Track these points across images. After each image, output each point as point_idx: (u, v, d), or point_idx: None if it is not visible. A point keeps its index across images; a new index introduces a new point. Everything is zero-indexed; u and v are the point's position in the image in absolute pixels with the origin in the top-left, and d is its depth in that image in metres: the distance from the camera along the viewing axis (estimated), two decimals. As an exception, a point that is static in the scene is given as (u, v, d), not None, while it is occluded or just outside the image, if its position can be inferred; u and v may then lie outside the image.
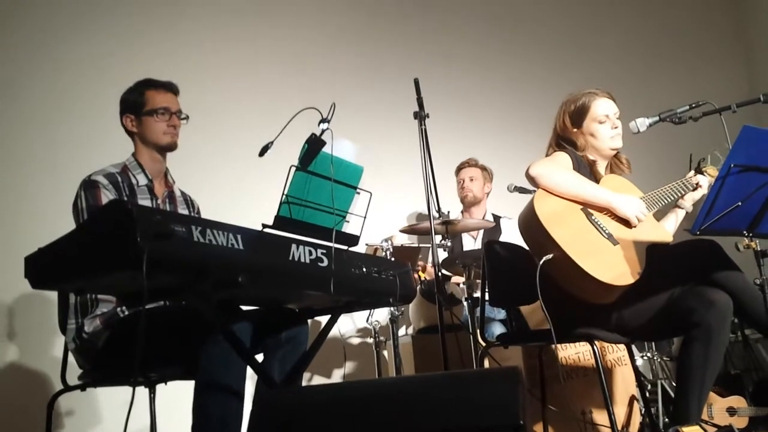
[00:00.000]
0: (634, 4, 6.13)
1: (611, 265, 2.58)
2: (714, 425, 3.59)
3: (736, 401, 3.77)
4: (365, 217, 2.47)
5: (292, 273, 2.13)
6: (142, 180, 2.75)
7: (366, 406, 1.59)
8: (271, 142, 2.32)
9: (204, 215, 2.95)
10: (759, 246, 2.41)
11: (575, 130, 2.93)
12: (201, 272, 1.89)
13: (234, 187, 4.48)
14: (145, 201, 2.73)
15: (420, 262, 4.25)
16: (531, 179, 2.78)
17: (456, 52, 5.56)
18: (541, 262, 2.59)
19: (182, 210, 2.88)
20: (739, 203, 2.29)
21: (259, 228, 2.09)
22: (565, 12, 5.95)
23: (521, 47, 5.74)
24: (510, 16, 5.79)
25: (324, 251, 2.22)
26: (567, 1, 6.00)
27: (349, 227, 2.51)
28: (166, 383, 2.68)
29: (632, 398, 3.47)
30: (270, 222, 2.15)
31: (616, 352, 3.52)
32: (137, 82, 2.81)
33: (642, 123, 2.86)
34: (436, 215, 3.41)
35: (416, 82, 3.27)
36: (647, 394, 3.59)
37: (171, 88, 2.80)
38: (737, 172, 2.24)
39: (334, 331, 2.59)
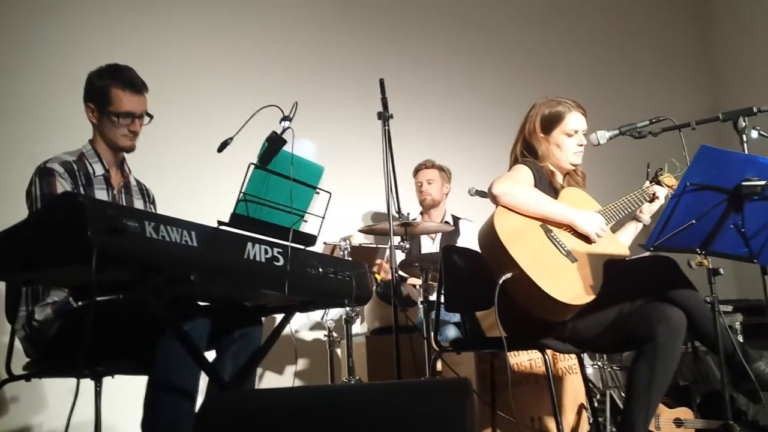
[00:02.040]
0: (602, 16, 6.18)
1: (569, 285, 2.59)
2: (660, 436, 3.64)
3: (684, 413, 3.83)
4: (324, 218, 2.45)
5: (246, 272, 2.11)
6: (99, 170, 2.69)
7: (311, 414, 1.58)
8: (231, 138, 2.28)
9: (160, 209, 2.90)
10: (711, 264, 2.44)
11: (542, 135, 2.94)
12: (153, 269, 1.87)
13: (191, 182, 4.43)
14: (101, 191, 2.68)
15: (378, 261, 4.25)
16: (493, 197, 2.76)
17: (422, 54, 5.54)
18: (500, 281, 2.59)
19: (137, 200, 2.83)
20: (694, 221, 2.31)
21: (215, 225, 2.07)
22: (532, 19, 5.98)
23: (487, 52, 5.75)
24: (476, 21, 5.80)
25: (280, 250, 2.20)
26: (534, 8, 6.02)
27: (308, 227, 2.49)
28: (113, 376, 2.64)
29: (581, 406, 3.50)
30: (226, 219, 2.12)
31: (567, 360, 3.55)
32: (108, 68, 2.70)
33: (602, 135, 2.87)
34: (396, 216, 3.41)
35: (381, 83, 3.25)
36: (596, 403, 3.63)
37: (140, 90, 2.69)
38: (692, 190, 2.27)
39: (288, 330, 2.56)
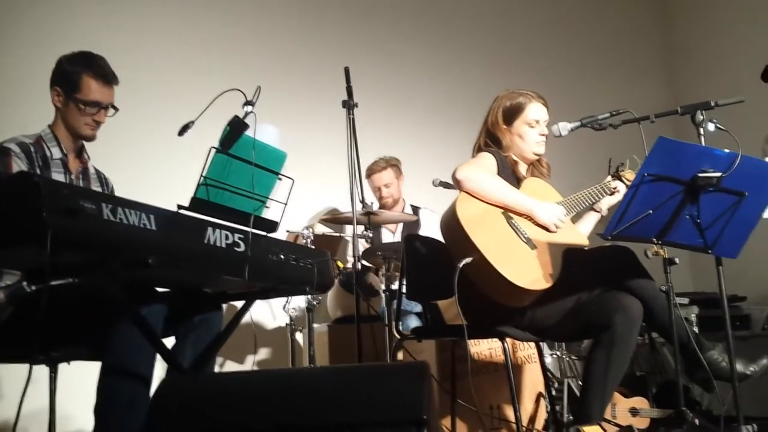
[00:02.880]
0: (564, 10, 6.23)
1: (528, 271, 2.63)
2: (616, 425, 3.70)
3: (639, 402, 3.90)
4: (286, 204, 2.44)
5: (206, 257, 2.09)
6: (57, 153, 2.65)
7: (268, 396, 1.57)
8: (192, 122, 2.26)
9: (119, 195, 2.86)
10: (667, 254, 2.49)
11: (504, 127, 2.97)
12: (109, 252, 1.84)
13: (152, 167, 4.37)
14: (58, 175, 2.64)
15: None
16: (457, 182, 2.80)
17: (388, 44, 5.54)
18: (460, 265, 2.61)
19: (96, 188, 2.79)
20: (651, 211, 2.35)
21: (174, 209, 2.05)
22: (495, 12, 6.00)
23: (450, 44, 5.76)
24: (440, 13, 5.81)
25: (241, 236, 2.18)
26: (498, 1, 6.05)
27: (269, 213, 2.48)
28: (69, 363, 2.60)
29: (539, 395, 3.55)
30: (186, 203, 2.10)
31: (526, 350, 3.59)
32: (82, 55, 2.67)
33: (564, 127, 2.91)
34: (360, 206, 3.41)
35: (346, 71, 3.24)
36: (554, 392, 3.67)
37: (110, 81, 2.68)
38: (650, 181, 2.31)
39: (248, 318, 2.55)
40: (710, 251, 2.49)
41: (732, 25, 5.48)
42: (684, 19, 6.16)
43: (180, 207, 2.07)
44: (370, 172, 4.56)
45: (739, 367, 2.63)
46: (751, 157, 2.40)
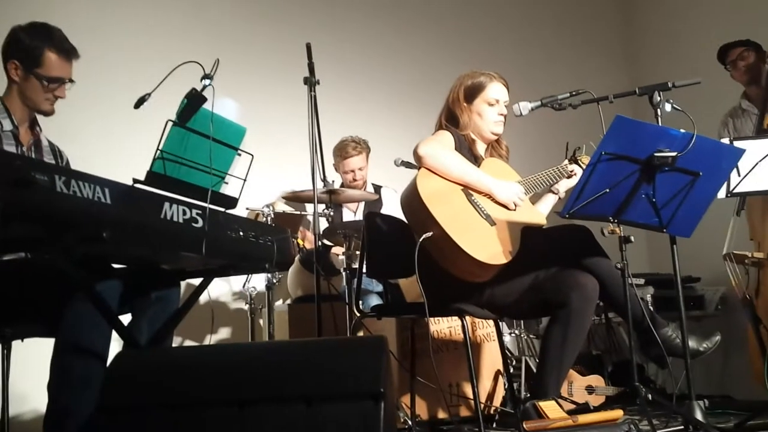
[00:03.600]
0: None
1: (487, 245, 2.65)
2: (573, 402, 3.76)
3: (595, 380, 3.96)
4: (245, 180, 2.41)
5: (163, 232, 2.05)
6: (7, 125, 2.59)
7: (223, 369, 1.56)
8: (148, 94, 2.22)
9: (74, 168, 2.81)
10: (623, 232, 2.52)
11: (465, 104, 2.99)
12: (62, 225, 1.80)
13: (107, 140, 4.30)
14: (9, 147, 2.58)
15: (301, 229, 4.22)
16: (418, 158, 2.82)
17: (351, 23, 5.50)
18: (420, 239, 2.62)
19: (49, 161, 2.73)
20: (608, 190, 2.38)
21: (130, 183, 2.01)
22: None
23: (412, 25, 5.73)
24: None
25: (199, 212, 2.15)
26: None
27: (228, 189, 2.45)
28: (22, 340, 2.56)
29: (498, 372, 3.59)
30: (142, 177, 2.07)
31: (485, 328, 3.63)
32: (42, 28, 2.61)
33: (524, 107, 2.94)
34: (321, 184, 3.39)
35: (308, 47, 3.21)
36: (511, 370, 3.72)
37: (71, 56, 2.65)
38: (607, 159, 2.34)
39: (206, 296, 2.53)
40: (665, 230, 2.54)
41: (691, 7, 5.55)
42: (644, 1, 6.22)
43: (136, 181, 2.04)
44: (346, 155, 4.51)
45: (692, 343, 2.69)
46: (707, 138, 2.45)
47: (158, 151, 2.10)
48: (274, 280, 3.91)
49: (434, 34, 5.76)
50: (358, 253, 3.49)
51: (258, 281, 4.08)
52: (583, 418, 2.34)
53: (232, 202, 2.36)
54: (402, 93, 5.46)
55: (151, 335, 2.44)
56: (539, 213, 2.97)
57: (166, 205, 2.06)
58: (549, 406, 2.44)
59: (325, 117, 3.30)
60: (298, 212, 4.16)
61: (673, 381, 4.06)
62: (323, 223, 3.93)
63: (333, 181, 3.77)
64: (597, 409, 3.70)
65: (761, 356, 3.56)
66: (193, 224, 2.13)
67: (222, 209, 2.28)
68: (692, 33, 5.42)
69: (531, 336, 4.16)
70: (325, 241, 3.94)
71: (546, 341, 2.66)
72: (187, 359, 1.67)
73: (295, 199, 3.90)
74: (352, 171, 4.49)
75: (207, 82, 2.18)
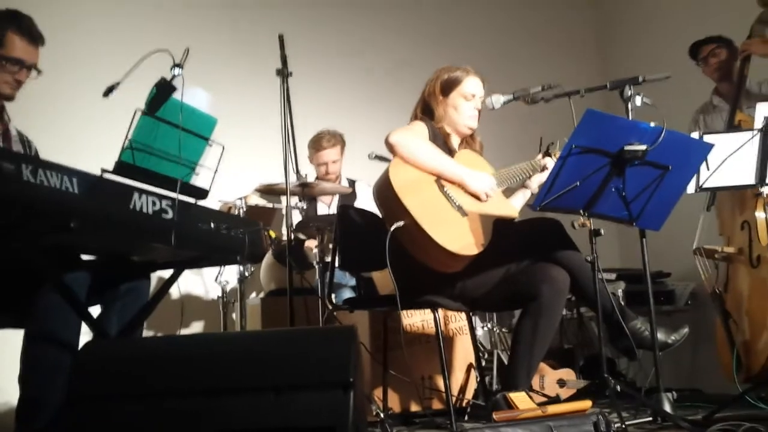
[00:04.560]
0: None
1: (458, 236, 2.66)
2: (544, 395, 3.78)
3: (567, 374, 3.99)
4: (216, 171, 2.40)
5: (132, 223, 2.05)
6: (-26, 115, 2.55)
7: (193, 359, 1.55)
8: (118, 83, 2.19)
9: (43, 158, 2.78)
10: (593, 225, 2.54)
11: (441, 97, 3.00)
12: (29, 214, 1.79)
13: (76, 129, 4.25)
14: (-24, 137, 2.54)
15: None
16: (390, 146, 2.82)
17: (325, 14, 5.48)
18: (392, 229, 2.63)
19: (17, 150, 2.69)
20: (578, 183, 2.40)
21: (99, 173, 1.99)
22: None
23: (389, 18, 5.73)
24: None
25: (169, 203, 2.14)
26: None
27: (199, 180, 2.43)
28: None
29: (470, 366, 3.60)
30: (111, 167, 2.05)
31: (458, 322, 3.64)
32: (8, 12, 2.58)
33: (497, 100, 2.95)
34: (294, 177, 3.37)
35: (281, 38, 3.19)
36: (484, 363, 3.73)
37: (36, 41, 2.60)
38: (578, 153, 2.35)
39: (176, 289, 2.51)
40: (634, 224, 2.56)
41: (663, 3, 5.60)
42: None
43: (104, 171, 2.02)
44: (319, 147, 4.49)
45: (661, 336, 2.72)
46: (677, 132, 2.47)
47: (127, 141, 2.08)
48: (247, 273, 3.88)
49: (409, 27, 5.76)
50: (330, 246, 3.49)
51: (230, 274, 4.05)
52: (552, 409, 2.36)
53: (202, 193, 2.35)
54: (377, 86, 5.46)
55: (121, 327, 2.43)
56: (511, 206, 2.98)
57: (135, 195, 2.05)
58: (519, 398, 2.46)
59: (298, 110, 3.29)
60: (272, 205, 4.13)
61: (643, 374, 4.11)
62: (297, 217, 3.91)
63: (306, 175, 3.75)
64: (567, 401, 3.72)
65: (730, 350, 3.61)
66: (163, 215, 2.13)
67: (192, 200, 2.27)
68: (663, 28, 5.47)
69: (503, 330, 4.18)
70: (299, 235, 3.93)
71: (517, 334, 2.68)
72: (155, 349, 1.66)
73: (268, 192, 3.88)
74: (325, 164, 4.47)
75: (177, 71, 2.17)
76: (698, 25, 4.58)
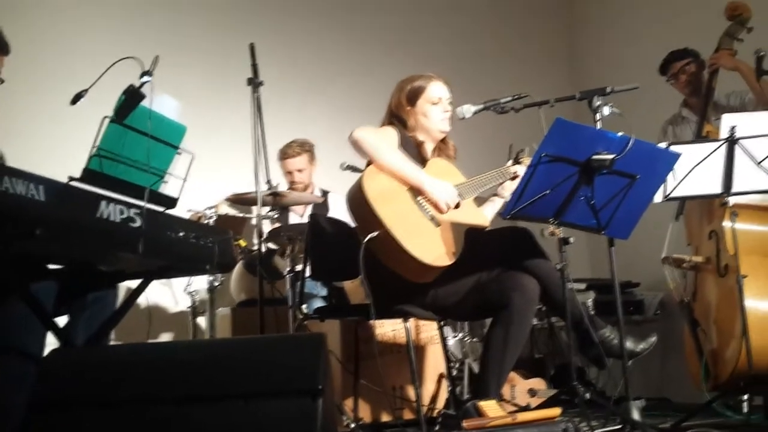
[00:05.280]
0: (477, 3, 6.29)
1: (431, 246, 2.66)
2: (515, 405, 3.79)
3: (537, 383, 4.01)
4: (185, 180, 2.38)
5: (99, 231, 2.01)
6: (-62, 121, 2.52)
7: (160, 367, 1.53)
8: (86, 90, 2.18)
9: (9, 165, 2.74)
10: (562, 233, 2.56)
11: (408, 108, 3.01)
12: (-7, 221, 1.76)
13: (44, 137, 4.20)
14: (-60, 144, 2.50)
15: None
16: (353, 142, 2.81)
17: (298, 23, 5.49)
18: (366, 240, 2.62)
19: (-18, 157, 2.66)
20: (548, 191, 2.41)
21: (66, 180, 1.97)
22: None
23: (361, 29, 5.74)
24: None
25: (137, 211, 2.12)
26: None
27: (168, 189, 2.42)
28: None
29: (441, 375, 3.60)
30: (78, 175, 2.02)
31: (429, 331, 3.64)
32: None
33: (468, 110, 2.96)
34: (265, 186, 3.36)
35: (251, 48, 3.19)
36: (455, 372, 3.74)
37: (1, 49, 2.59)
38: (547, 161, 2.37)
39: (144, 299, 2.48)
40: (603, 232, 2.58)
41: (631, 15, 5.69)
42: (586, 8, 6.36)
43: (71, 178, 2.00)
44: (285, 155, 4.49)
45: (629, 344, 2.74)
46: (644, 141, 2.50)
47: (95, 149, 2.07)
48: (216, 283, 3.85)
49: (380, 40, 5.78)
50: (302, 255, 3.47)
51: (200, 284, 4.02)
52: (522, 416, 2.37)
53: (171, 201, 2.33)
54: (349, 97, 5.46)
55: (87, 337, 2.39)
56: (483, 215, 2.99)
57: (103, 203, 2.02)
58: (489, 406, 2.46)
59: (269, 119, 3.28)
60: (242, 215, 4.11)
61: (612, 383, 4.14)
62: (268, 227, 3.89)
63: (278, 184, 3.73)
64: (537, 409, 3.74)
65: (698, 359, 3.65)
66: (131, 224, 2.10)
67: (161, 209, 2.25)
68: (633, 40, 5.55)
69: (474, 339, 4.19)
70: (270, 245, 3.91)
71: (488, 342, 2.69)
72: (122, 356, 1.63)
73: (239, 201, 3.86)
74: (291, 172, 4.47)
75: (146, 78, 2.16)
76: (667, 36, 4.65)
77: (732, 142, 3.08)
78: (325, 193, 4.55)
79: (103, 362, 1.61)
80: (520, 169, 3.06)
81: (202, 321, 4.11)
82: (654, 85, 4.09)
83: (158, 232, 2.17)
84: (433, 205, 2.81)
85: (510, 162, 3.11)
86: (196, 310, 3.99)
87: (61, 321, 2.35)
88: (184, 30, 5.00)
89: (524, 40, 6.33)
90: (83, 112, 2.25)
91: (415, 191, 2.80)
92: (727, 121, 3.10)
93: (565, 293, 2.58)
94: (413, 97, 3.01)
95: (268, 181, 3.42)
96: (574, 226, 2.61)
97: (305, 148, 4.49)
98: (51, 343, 2.26)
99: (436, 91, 3.02)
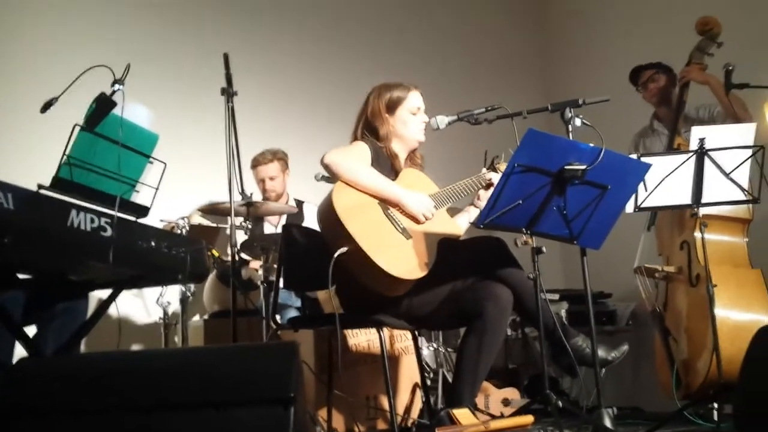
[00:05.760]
0: (445, 10, 6.35)
1: (403, 259, 2.66)
2: (489, 414, 3.80)
3: (511, 393, 4.03)
4: (157, 189, 2.37)
5: (69, 240, 2.00)
6: None
7: (130, 375, 1.52)
8: (56, 98, 2.17)
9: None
10: (535, 243, 2.58)
11: (386, 116, 3.00)
12: (-41, 230, 1.73)
13: (12, 144, 4.15)
14: None
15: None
16: (325, 167, 2.82)
17: (272, 34, 5.49)
18: (335, 255, 2.61)
19: (-49, 165, 2.63)
20: (521, 201, 2.43)
21: (35, 189, 1.95)
22: (379, 11, 6.04)
23: (334, 40, 5.75)
24: (324, 9, 5.80)
25: (108, 220, 2.10)
26: (382, 1, 6.11)
27: (140, 198, 2.40)
28: None
29: (415, 385, 3.60)
30: (48, 183, 2.00)
31: (403, 341, 3.64)
32: None
33: (441, 120, 2.97)
34: (239, 197, 3.34)
35: (225, 57, 3.16)
36: (429, 382, 3.73)
37: None
38: (520, 171, 2.39)
39: (114, 309, 2.45)
40: (575, 242, 2.60)
41: (603, 29, 5.77)
42: (559, 22, 6.43)
43: (41, 187, 1.98)
44: (256, 163, 4.48)
45: (601, 353, 2.75)
46: (615, 152, 2.52)
47: (65, 157, 2.05)
48: (189, 294, 3.81)
49: (354, 51, 5.79)
50: (275, 266, 3.46)
51: (172, 295, 3.98)
52: (495, 424, 2.37)
53: (143, 210, 2.32)
54: (325, 107, 5.45)
55: (57, 348, 2.36)
56: (456, 225, 3.00)
57: (73, 212, 2.00)
58: (462, 414, 2.46)
59: (244, 129, 3.26)
60: (215, 225, 4.09)
61: (585, 393, 4.16)
62: (242, 237, 3.87)
63: (251, 194, 3.72)
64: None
65: (669, 368, 3.68)
66: (102, 233, 2.08)
67: (132, 218, 2.23)
68: (605, 53, 5.63)
69: (449, 349, 4.19)
70: (243, 255, 3.89)
71: (462, 351, 2.69)
72: (92, 364, 1.61)
73: (212, 211, 3.84)
74: (263, 180, 4.46)
75: (117, 86, 2.14)
76: (639, 50, 4.71)
77: (701, 153, 3.14)
78: (299, 203, 4.54)
79: (73, 370, 1.58)
80: (495, 177, 3.07)
81: (174, 332, 4.07)
82: (625, 97, 4.14)
83: (129, 242, 2.16)
84: (410, 217, 2.82)
85: (485, 169, 3.12)
86: (167, 321, 3.94)
87: (30, 331, 2.32)
88: (158, 38, 4.98)
89: (497, 51, 6.38)
90: (54, 119, 2.23)
91: (387, 204, 2.80)
92: (697, 133, 3.15)
93: (538, 302, 2.60)
94: (393, 105, 3.01)
95: (242, 191, 3.40)
96: (547, 236, 2.62)
97: (277, 156, 4.48)
98: (20, 353, 2.22)
99: (416, 100, 3.04)
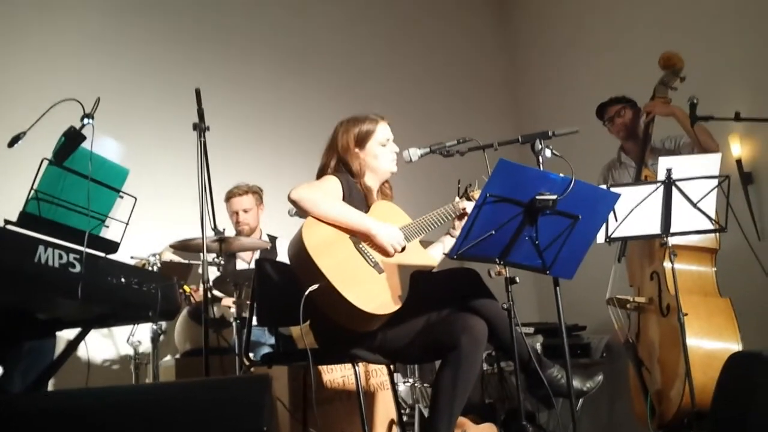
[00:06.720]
0: (419, 44, 6.42)
1: (375, 295, 2.63)
2: (465, 449, 3.76)
3: (488, 428, 3.98)
4: (128, 223, 2.35)
5: (36, 277, 1.96)
6: None
7: (100, 412, 1.48)
8: (24, 133, 2.14)
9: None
10: (509, 273, 2.58)
11: (356, 150, 2.99)
12: None
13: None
14: None
15: (193, 287, 4.09)
16: (293, 203, 2.78)
17: (244, 68, 5.52)
18: (306, 292, 2.59)
19: None
20: (493, 232, 2.43)
21: (1, 224, 1.92)
22: (353, 44, 6.11)
23: (307, 74, 5.79)
24: (299, 43, 5.85)
25: (77, 256, 2.07)
26: (356, 34, 6.16)
27: (109, 233, 2.37)
28: None
29: (392, 422, 3.55)
30: (15, 218, 1.97)
31: (379, 377, 3.60)
32: None
33: (414, 153, 2.99)
34: (211, 232, 3.31)
35: (197, 92, 3.17)
36: (405, 418, 3.69)
37: None
38: (492, 201, 2.39)
39: (84, 349, 2.40)
40: (548, 272, 2.61)
41: (573, 62, 5.89)
42: (529, 56, 6.56)
43: (7, 222, 1.94)
44: (230, 195, 4.47)
45: (576, 383, 2.75)
46: (584, 182, 2.55)
47: (32, 191, 2.02)
48: (160, 332, 3.75)
49: (326, 85, 5.84)
50: (248, 302, 3.42)
51: (143, 334, 3.91)
52: (472, 457, 2.34)
53: (112, 246, 2.29)
54: (298, 141, 5.46)
55: (24, 388, 2.30)
56: (429, 256, 2.99)
57: (41, 248, 1.97)
58: (440, 450, 2.43)
59: (216, 164, 3.25)
60: (187, 261, 4.04)
61: (561, 428, 4.14)
62: (214, 273, 3.84)
63: (224, 230, 3.69)
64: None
65: (643, 397, 3.69)
66: (70, 269, 2.05)
67: (102, 254, 2.21)
68: (573, 86, 5.75)
69: (425, 385, 4.16)
70: (215, 292, 3.84)
71: (437, 385, 2.66)
72: (61, 402, 1.57)
73: (183, 248, 3.80)
74: (236, 213, 4.44)
75: (87, 121, 2.13)
76: (606, 83, 4.81)
77: (669, 184, 3.19)
78: (273, 239, 4.51)
79: (40, 407, 1.54)
80: (469, 205, 3.06)
81: (145, 372, 3.99)
82: (593, 128, 4.22)
83: (98, 278, 2.13)
84: (379, 249, 2.80)
85: (458, 198, 3.12)
86: (138, 360, 3.87)
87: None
88: (129, 72, 4.97)
89: (469, 84, 6.48)
90: (22, 154, 2.20)
91: (358, 238, 2.78)
92: (664, 163, 3.20)
93: (512, 332, 2.59)
94: (362, 140, 2.99)
95: (215, 227, 3.38)
96: (520, 266, 2.62)
97: (252, 189, 4.49)
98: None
99: (384, 132, 3.03)
